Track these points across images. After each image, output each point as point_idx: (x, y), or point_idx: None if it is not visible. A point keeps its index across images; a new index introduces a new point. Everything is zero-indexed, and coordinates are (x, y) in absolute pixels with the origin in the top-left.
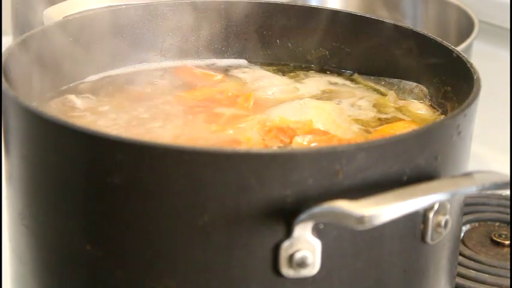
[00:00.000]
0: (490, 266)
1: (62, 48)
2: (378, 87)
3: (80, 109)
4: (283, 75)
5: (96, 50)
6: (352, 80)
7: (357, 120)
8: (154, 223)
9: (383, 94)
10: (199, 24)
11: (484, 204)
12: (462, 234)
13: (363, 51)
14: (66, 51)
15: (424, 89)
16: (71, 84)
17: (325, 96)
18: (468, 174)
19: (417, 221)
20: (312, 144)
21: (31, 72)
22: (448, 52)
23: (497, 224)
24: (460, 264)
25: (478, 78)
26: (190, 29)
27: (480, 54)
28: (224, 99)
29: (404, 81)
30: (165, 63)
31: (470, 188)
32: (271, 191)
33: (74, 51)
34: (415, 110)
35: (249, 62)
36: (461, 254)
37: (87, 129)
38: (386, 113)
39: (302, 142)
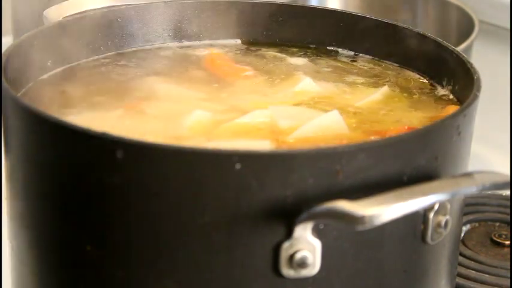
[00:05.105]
0: (490, 266)
1: (62, 48)
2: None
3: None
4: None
5: (96, 50)
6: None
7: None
8: (154, 223)
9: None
10: (196, 20)
11: (484, 204)
12: (462, 234)
13: (361, 51)
14: (66, 51)
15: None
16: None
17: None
18: (468, 174)
19: (417, 221)
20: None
21: (31, 72)
22: (448, 52)
23: (497, 224)
24: (460, 264)
25: (478, 78)
26: (189, 23)
27: (480, 54)
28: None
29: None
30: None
31: (470, 188)
32: (272, 191)
33: (74, 52)
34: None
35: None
36: (461, 254)
37: (87, 129)
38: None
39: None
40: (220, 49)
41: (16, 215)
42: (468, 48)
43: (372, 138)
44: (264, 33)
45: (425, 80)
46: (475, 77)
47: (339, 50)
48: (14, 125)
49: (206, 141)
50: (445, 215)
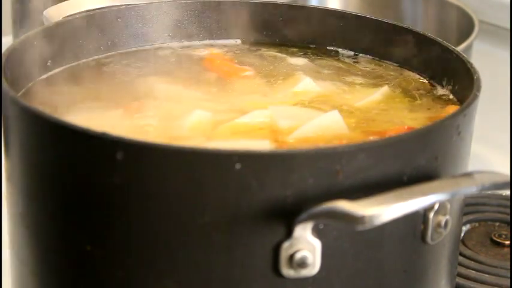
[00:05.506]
0: (490, 266)
1: (62, 48)
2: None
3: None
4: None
5: (96, 50)
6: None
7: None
8: (154, 223)
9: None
10: (196, 20)
11: (484, 204)
12: (462, 234)
13: (361, 51)
14: (66, 51)
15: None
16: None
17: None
18: (468, 174)
19: (417, 221)
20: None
21: (31, 72)
22: (448, 52)
23: (497, 224)
24: (460, 264)
25: (478, 78)
26: (189, 23)
27: (480, 54)
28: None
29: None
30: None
31: (470, 188)
32: (272, 191)
33: (74, 52)
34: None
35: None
36: (461, 254)
37: (87, 129)
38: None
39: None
40: (220, 49)
41: (16, 215)
42: (468, 48)
43: (372, 138)
44: (264, 33)
45: (425, 80)
46: (475, 77)
47: (339, 50)
48: (14, 125)
49: (206, 141)
50: (445, 215)
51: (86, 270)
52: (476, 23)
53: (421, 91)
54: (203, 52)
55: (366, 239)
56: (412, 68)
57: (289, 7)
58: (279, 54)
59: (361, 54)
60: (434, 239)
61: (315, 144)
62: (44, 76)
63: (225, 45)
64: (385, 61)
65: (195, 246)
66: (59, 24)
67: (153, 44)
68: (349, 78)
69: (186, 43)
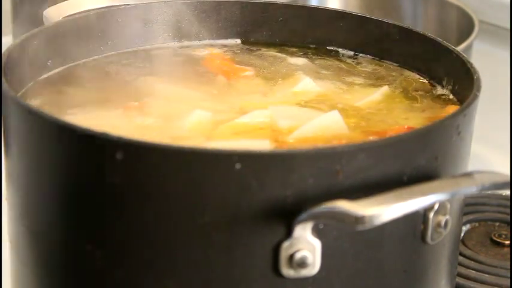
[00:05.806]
0: (490, 266)
1: (62, 48)
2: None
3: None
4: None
5: (96, 50)
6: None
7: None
8: (154, 223)
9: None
10: (196, 20)
11: (484, 204)
12: (462, 234)
13: (361, 51)
14: (66, 51)
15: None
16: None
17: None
18: (468, 174)
19: (417, 221)
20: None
21: (31, 72)
22: (448, 52)
23: (497, 224)
24: (460, 264)
25: (478, 78)
26: (189, 23)
27: (480, 54)
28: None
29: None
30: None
31: (470, 188)
32: (272, 191)
33: (74, 52)
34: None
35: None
36: (461, 254)
37: (87, 129)
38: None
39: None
40: (220, 49)
41: (16, 215)
42: (468, 48)
43: (372, 138)
44: (264, 33)
45: (425, 80)
46: (475, 77)
47: (339, 50)
48: (14, 125)
49: (206, 141)
50: (445, 214)
51: (85, 270)
52: (476, 23)
53: (421, 91)
54: (203, 52)
55: (366, 239)
56: (412, 68)
57: (289, 7)
58: (279, 54)
59: (361, 54)
60: (434, 239)
61: (315, 144)
62: (44, 76)
63: (225, 45)
64: (385, 61)
65: (195, 246)
66: (59, 24)
67: (153, 44)
68: (349, 78)
69: (186, 43)
